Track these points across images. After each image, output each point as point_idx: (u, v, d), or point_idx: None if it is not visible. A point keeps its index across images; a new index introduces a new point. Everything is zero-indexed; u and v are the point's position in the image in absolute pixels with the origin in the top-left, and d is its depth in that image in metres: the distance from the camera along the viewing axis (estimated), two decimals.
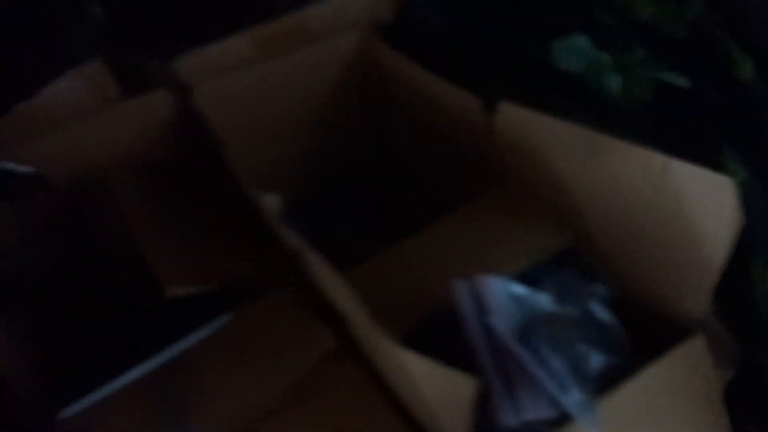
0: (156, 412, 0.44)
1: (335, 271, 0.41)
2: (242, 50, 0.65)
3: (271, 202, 0.49)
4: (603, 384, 0.43)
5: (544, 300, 0.46)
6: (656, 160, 0.47)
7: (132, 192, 0.57)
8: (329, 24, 0.67)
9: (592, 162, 0.50)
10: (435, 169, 0.66)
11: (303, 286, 0.51)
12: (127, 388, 0.46)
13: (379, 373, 0.46)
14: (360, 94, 0.70)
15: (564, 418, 0.40)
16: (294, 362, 0.45)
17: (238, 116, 0.64)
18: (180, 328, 0.50)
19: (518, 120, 0.53)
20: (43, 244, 0.54)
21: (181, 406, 0.44)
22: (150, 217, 0.55)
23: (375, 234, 0.64)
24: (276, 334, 0.48)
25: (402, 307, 0.45)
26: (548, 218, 0.54)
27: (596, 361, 0.44)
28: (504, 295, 0.45)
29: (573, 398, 0.40)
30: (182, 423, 0.43)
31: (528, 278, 0.48)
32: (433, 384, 0.36)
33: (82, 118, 0.59)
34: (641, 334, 0.47)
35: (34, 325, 0.52)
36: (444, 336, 0.44)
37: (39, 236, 0.55)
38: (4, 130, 0.57)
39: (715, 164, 0.51)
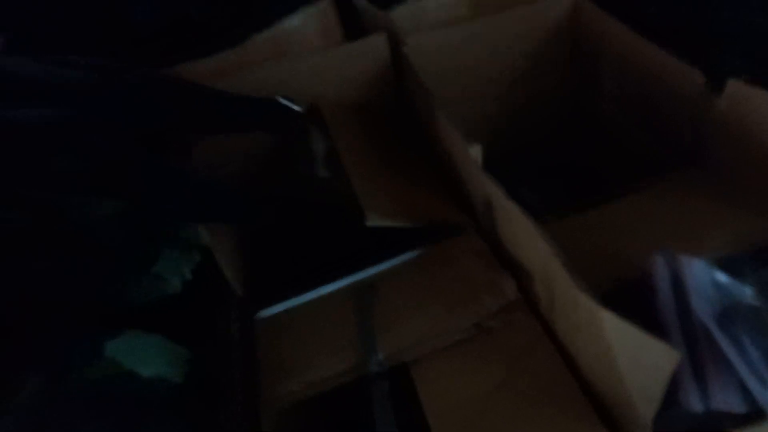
0: (350, 317, 0.49)
1: (535, 222, 0.43)
2: (457, 7, 0.67)
3: (475, 151, 0.51)
4: None
5: (747, 292, 0.44)
6: None
7: (342, 124, 0.62)
8: None
9: None
10: (636, 141, 0.64)
11: (488, 236, 0.54)
12: (328, 294, 0.53)
13: (554, 330, 0.47)
14: (566, 59, 0.69)
15: (755, 415, 0.39)
16: (478, 304, 0.48)
17: (445, 69, 0.67)
18: (371, 256, 0.55)
19: (749, 100, 0.49)
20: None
21: (372, 318, 0.48)
22: (357, 149, 0.60)
23: (558, 200, 0.64)
24: (462, 275, 0.51)
25: (592, 271, 0.45)
26: (757, 209, 0.50)
27: None
28: (706, 279, 0.44)
29: None
30: (371, 336, 0.47)
31: (727, 267, 0.46)
32: (629, 348, 0.36)
33: (308, 53, 0.65)
34: None
35: (255, 236, 0.60)
36: (633, 308, 0.43)
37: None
38: (240, 57, 0.65)
39: None
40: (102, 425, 0.39)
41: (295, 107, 0.57)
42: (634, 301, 0.44)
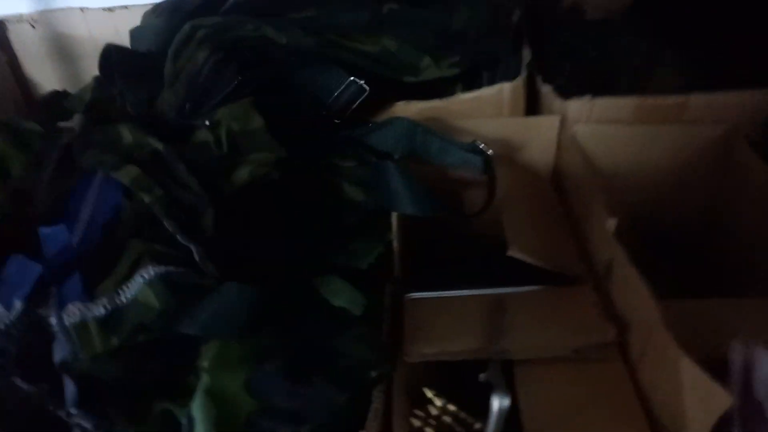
0: (483, 316, 0.65)
1: (650, 286, 0.56)
2: (625, 109, 0.82)
3: (611, 222, 0.65)
4: None
5: None
6: None
7: (507, 176, 0.78)
8: (707, 114, 0.80)
9: None
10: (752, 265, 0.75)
11: (601, 291, 0.67)
12: (467, 296, 0.68)
13: (636, 373, 0.59)
14: (711, 178, 0.82)
15: None
16: (583, 336, 0.61)
17: (601, 157, 0.81)
18: (504, 280, 0.70)
19: None
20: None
21: (500, 322, 0.63)
22: (514, 199, 0.76)
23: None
24: (575, 315, 0.64)
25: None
26: None
27: None
28: None
29: None
30: (498, 333, 0.62)
31: None
32: (696, 389, 0.49)
33: (497, 118, 0.83)
34: None
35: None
36: None
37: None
38: (446, 107, 0.83)
39: None
40: (316, 324, 0.58)
41: (489, 151, 0.75)
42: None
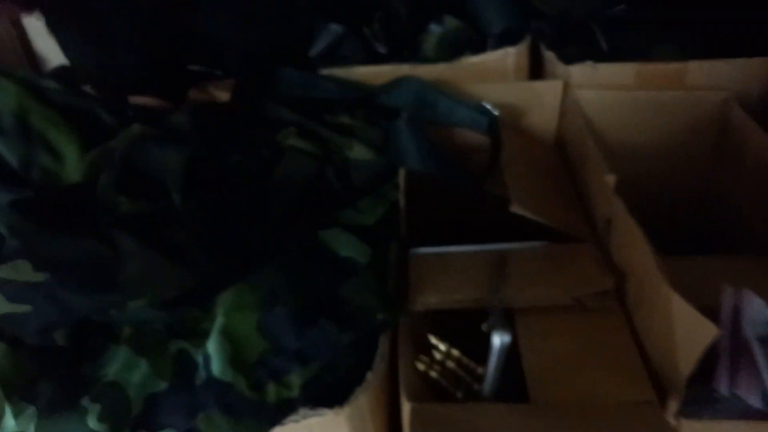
0: (485, 269, 0.67)
1: (646, 236, 0.58)
2: (626, 76, 0.84)
3: (610, 177, 0.67)
4: None
5: None
6: None
7: (511, 140, 0.80)
8: (706, 80, 0.82)
9: None
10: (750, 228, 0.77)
11: (601, 248, 0.70)
12: (471, 251, 0.71)
13: (632, 319, 0.62)
14: (709, 147, 0.84)
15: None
16: (582, 286, 0.64)
17: (605, 122, 0.83)
18: (506, 235, 0.73)
19: None
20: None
21: (502, 275, 0.66)
22: (515, 160, 0.78)
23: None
24: (575, 269, 0.67)
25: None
26: None
27: None
28: (760, 313, 0.57)
29: None
30: (499, 284, 0.65)
31: None
32: (685, 323, 0.51)
33: (501, 82, 0.85)
34: None
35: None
36: None
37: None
38: (451, 71, 0.85)
39: None
40: (323, 273, 0.61)
41: (496, 111, 0.77)
42: None
